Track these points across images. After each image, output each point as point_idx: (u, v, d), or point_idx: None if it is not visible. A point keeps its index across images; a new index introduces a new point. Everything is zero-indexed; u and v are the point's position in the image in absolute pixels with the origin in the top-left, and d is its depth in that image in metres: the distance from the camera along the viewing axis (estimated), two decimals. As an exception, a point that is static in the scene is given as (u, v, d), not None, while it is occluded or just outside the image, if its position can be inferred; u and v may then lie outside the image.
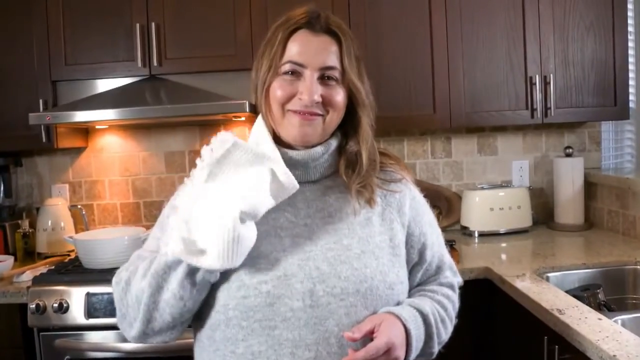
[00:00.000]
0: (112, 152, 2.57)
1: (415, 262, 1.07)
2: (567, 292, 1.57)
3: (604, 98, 2.29)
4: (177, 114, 2.06)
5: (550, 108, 2.24)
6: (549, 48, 2.25)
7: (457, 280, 1.15)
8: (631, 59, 2.44)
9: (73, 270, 2.02)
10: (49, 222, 2.37)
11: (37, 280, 1.92)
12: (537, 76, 2.24)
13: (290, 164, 0.99)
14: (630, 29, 2.35)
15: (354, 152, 1.04)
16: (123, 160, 2.57)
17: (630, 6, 2.33)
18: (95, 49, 2.21)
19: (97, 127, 2.51)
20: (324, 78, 0.99)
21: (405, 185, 1.08)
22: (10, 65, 2.22)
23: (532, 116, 2.26)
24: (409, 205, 1.06)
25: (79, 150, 2.56)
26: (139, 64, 2.18)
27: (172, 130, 2.56)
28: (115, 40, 2.21)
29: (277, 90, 0.99)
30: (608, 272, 1.84)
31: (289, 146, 1.02)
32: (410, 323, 0.95)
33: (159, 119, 2.27)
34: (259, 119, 1.05)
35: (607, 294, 1.69)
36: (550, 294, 1.52)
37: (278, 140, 1.02)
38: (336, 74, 1.00)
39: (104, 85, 2.25)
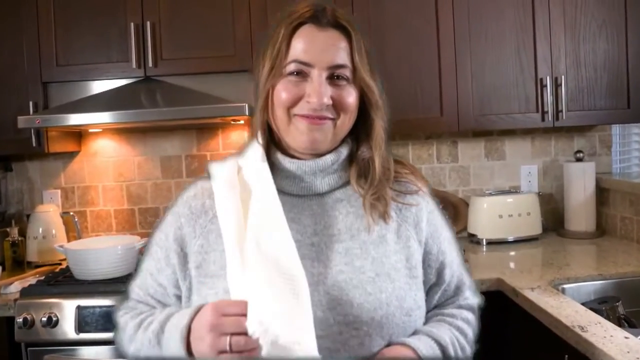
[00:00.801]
0: (106, 157, 2.48)
1: (433, 282, 0.98)
2: (583, 304, 1.49)
3: (616, 100, 2.20)
4: (174, 117, 1.99)
5: (561, 111, 2.15)
6: (559, 48, 2.17)
7: (477, 301, 1.05)
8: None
9: (63, 281, 1.93)
10: (40, 229, 2.28)
11: (26, 292, 1.84)
12: (547, 77, 2.16)
13: (297, 175, 0.89)
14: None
15: (366, 159, 0.94)
16: (117, 165, 2.49)
17: (642, 5, 2.26)
18: (87, 49, 2.14)
19: (90, 130, 2.43)
20: (334, 78, 0.89)
21: (422, 198, 0.98)
22: (-1, 66, 2.14)
23: (543, 119, 2.17)
24: (426, 221, 0.96)
25: (71, 155, 2.48)
26: (134, 64, 2.10)
27: (168, 134, 2.48)
28: (108, 40, 2.13)
29: (282, 92, 0.89)
30: (625, 284, 1.76)
31: (295, 155, 0.92)
32: (428, 358, 0.86)
33: (154, 123, 2.20)
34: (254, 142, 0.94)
35: (626, 306, 1.61)
36: (570, 308, 1.43)
37: (283, 149, 0.93)
38: (347, 72, 0.90)
39: (97, 87, 2.18)
